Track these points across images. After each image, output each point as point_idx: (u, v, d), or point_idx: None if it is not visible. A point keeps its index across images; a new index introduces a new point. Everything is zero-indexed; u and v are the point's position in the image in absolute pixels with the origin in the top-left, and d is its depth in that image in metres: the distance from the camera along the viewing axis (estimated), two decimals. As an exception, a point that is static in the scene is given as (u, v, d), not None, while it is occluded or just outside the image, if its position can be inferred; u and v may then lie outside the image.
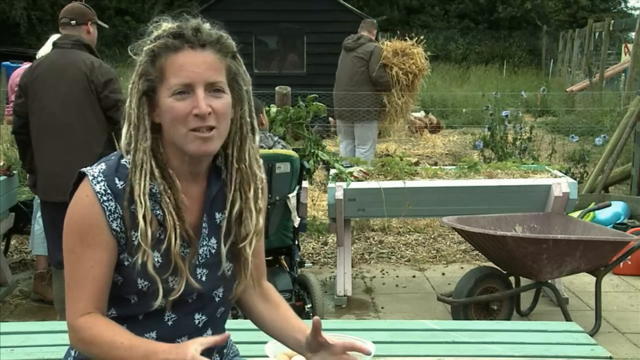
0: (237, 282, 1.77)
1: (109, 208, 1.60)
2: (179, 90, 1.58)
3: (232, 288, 1.76)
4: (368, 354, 1.70)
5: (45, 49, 4.55)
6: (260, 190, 1.73)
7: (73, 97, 3.93)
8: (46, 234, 4.24)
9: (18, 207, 5.07)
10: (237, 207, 1.70)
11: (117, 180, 1.61)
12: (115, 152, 1.70)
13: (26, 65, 5.03)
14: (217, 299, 1.74)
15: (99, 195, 1.60)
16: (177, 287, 1.64)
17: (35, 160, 4.05)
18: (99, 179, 1.61)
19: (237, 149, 1.69)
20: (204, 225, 1.69)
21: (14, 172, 5.01)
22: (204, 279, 1.69)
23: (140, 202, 1.58)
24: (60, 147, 3.93)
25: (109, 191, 1.60)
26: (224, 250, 1.70)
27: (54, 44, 4.15)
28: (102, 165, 1.65)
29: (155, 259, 1.61)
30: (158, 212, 1.62)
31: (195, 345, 1.51)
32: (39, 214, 4.54)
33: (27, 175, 4.36)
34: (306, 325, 1.77)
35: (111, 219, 1.60)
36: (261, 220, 1.73)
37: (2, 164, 5.20)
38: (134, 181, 1.59)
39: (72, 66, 3.95)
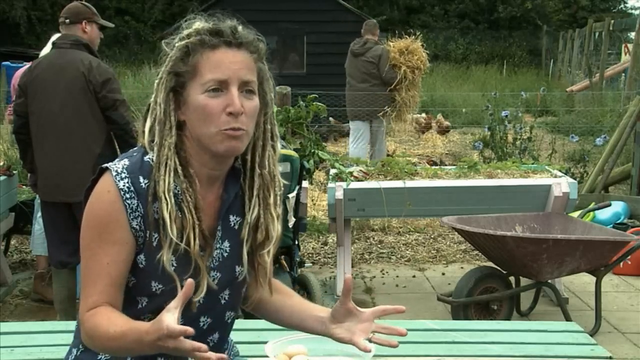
0: (249, 287, 1.77)
1: (131, 206, 1.58)
2: (213, 87, 1.57)
3: (239, 292, 1.76)
4: (401, 311, 1.74)
5: (47, 49, 4.55)
6: (279, 197, 1.72)
7: (72, 97, 3.93)
8: (46, 234, 4.23)
9: (18, 207, 5.07)
10: (255, 213, 1.69)
11: (141, 179, 1.59)
12: (136, 148, 1.67)
13: (28, 65, 5.02)
14: (222, 302, 1.73)
15: (122, 192, 1.57)
16: (198, 288, 1.60)
17: (35, 160, 4.05)
18: (123, 175, 1.59)
19: (258, 155, 1.68)
20: (218, 228, 1.68)
21: (14, 172, 5.01)
22: (215, 281, 1.68)
23: (165, 199, 1.56)
24: (59, 147, 3.93)
25: (132, 189, 1.58)
26: (245, 255, 1.70)
27: (54, 43, 4.14)
28: (126, 161, 1.62)
29: (172, 260, 1.59)
30: (178, 212, 1.59)
31: (168, 315, 1.42)
32: (39, 214, 4.53)
33: (28, 175, 4.36)
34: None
35: (132, 217, 1.58)
36: (279, 228, 1.72)
37: (2, 164, 5.20)
38: (158, 177, 1.57)
39: (70, 66, 3.95)
